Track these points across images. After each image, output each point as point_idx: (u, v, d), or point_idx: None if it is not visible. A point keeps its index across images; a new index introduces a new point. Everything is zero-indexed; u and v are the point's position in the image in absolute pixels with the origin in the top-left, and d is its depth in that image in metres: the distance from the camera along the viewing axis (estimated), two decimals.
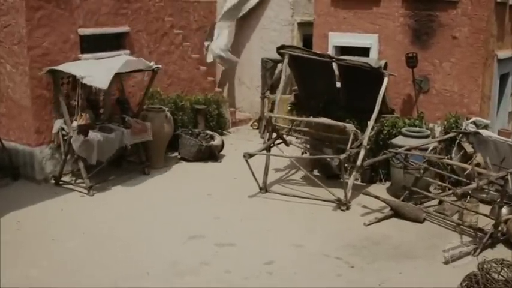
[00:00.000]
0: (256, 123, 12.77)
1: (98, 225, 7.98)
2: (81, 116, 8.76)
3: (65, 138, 9.13)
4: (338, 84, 9.87)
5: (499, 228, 7.43)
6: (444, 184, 8.06)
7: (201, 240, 7.59)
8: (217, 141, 10.79)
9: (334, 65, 9.63)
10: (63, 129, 9.19)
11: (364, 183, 9.57)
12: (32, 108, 9.16)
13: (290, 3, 12.37)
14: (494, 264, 6.25)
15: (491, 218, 7.52)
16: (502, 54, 9.73)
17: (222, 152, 11.08)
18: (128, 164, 10.23)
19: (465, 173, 7.37)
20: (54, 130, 9.29)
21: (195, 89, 11.95)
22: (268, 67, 12.23)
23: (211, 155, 10.68)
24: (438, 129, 9.15)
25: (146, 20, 10.72)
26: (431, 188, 8.98)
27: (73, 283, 6.41)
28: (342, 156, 8.24)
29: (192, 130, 10.90)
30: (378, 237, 7.73)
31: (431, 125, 9.25)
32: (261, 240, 7.62)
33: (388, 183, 9.52)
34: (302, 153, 10.07)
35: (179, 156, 10.79)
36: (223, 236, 7.68)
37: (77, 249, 7.23)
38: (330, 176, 9.68)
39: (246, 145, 11.16)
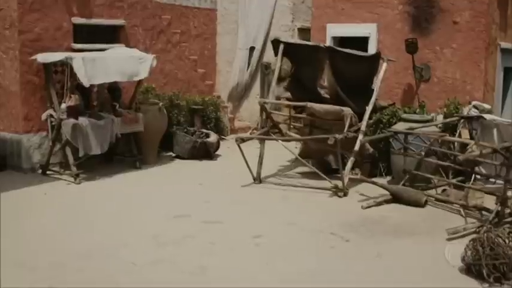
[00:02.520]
0: (255, 131, 12.41)
1: (80, 205, 7.63)
2: (71, 97, 8.49)
3: (53, 124, 8.83)
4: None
5: (506, 207, 6.93)
6: (446, 163, 7.59)
7: (187, 218, 7.17)
8: (212, 138, 10.44)
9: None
10: (51, 115, 8.90)
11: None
12: (20, 94, 8.93)
13: (290, 9, 12.26)
14: (500, 233, 5.77)
15: (496, 196, 7.00)
16: (506, 45, 9.42)
17: (218, 153, 10.71)
18: (120, 160, 9.87)
19: (468, 147, 6.94)
20: (43, 117, 9.01)
21: (192, 91, 11.71)
22: (268, 72, 12.00)
23: (206, 152, 10.30)
24: (440, 118, 8.76)
25: (142, 16, 10.60)
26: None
27: (41, 251, 5.97)
28: (339, 136, 7.84)
29: (188, 128, 10.58)
30: (376, 218, 7.26)
31: (432, 115, 8.86)
32: (251, 219, 7.18)
33: (388, 178, 9.07)
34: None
35: (174, 155, 10.44)
36: (211, 216, 7.25)
37: (52, 224, 6.84)
38: (328, 171, 9.24)
39: (244, 149, 10.74)
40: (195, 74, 11.96)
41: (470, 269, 5.58)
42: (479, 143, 6.89)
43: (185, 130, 10.48)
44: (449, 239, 6.48)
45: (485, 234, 5.69)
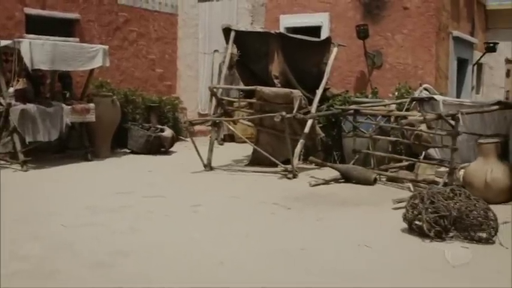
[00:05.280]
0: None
1: (22, 187, 7.37)
2: (18, 81, 8.32)
3: (1, 111, 8.61)
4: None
5: (454, 178, 6.82)
6: (395, 139, 7.50)
7: (129, 194, 6.94)
8: (167, 133, 10.27)
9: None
10: (0, 104, 8.68)
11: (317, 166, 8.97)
12: None
13: (250, 12, 12.30)
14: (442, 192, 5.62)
15: (445, 166, 6.91)
16: (458, 33, 9.49)
17: (174, 149, 10.52)
18: (72, 154, 9.62)
19: (414, 119, 6.85)
20: None
21: (150, 91, 11.60)
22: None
23: (161, 147, 10.12)
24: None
25: (98, 11, 10.55)
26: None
27: None
28: (287, 115, 7.72)
29: (143, 124, 10.43)
30: (323, 194, 7.09)
31: (385, 101, 8.81)
32: (193, 194, 7.02)
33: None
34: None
35: (128, 150, 10.23)
36: (153, 192, 7.03)
37: None
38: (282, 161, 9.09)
39: (201, 148, 10.53)
40: (153, 74, 11.86)
41: (412, 227, 5.44)
42: (425, 115, 6.82)
43: (140, 126, 10.32)
44: (395, 208, 6.33)
45: (426, 190, 5.56)
